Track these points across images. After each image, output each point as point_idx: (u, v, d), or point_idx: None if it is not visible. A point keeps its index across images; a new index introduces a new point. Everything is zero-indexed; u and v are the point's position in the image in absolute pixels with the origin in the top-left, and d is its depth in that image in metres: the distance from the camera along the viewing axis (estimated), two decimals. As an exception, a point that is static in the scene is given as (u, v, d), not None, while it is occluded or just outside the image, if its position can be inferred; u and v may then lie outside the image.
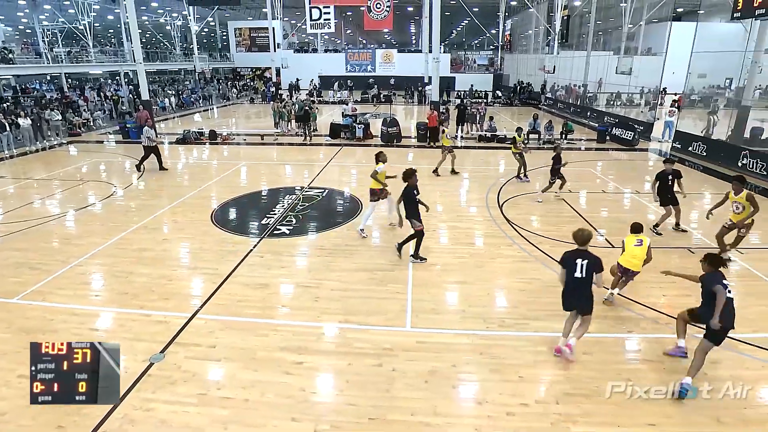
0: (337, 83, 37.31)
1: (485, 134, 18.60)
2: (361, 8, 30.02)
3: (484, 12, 46.04)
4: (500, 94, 37.38)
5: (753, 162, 13.15)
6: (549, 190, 10.54)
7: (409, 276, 6.79)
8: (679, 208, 8.57)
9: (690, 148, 15.81)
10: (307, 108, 18.67)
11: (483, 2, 43.05)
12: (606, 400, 4.33)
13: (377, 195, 8.34)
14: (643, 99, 26.61)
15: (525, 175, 12.24)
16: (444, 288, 6.51)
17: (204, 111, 29.96)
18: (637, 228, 6.10)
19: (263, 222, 9.03)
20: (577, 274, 4.67)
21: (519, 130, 12.39)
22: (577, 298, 4.79)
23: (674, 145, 16.82)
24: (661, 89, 24.59)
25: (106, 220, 9.23)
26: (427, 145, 17.19)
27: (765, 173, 12.60)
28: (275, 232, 8.52)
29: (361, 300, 6.07)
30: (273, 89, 34.27)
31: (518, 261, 7.34)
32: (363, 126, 18.42)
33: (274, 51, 39.34)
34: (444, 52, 45.49)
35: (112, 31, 47.90)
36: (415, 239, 7.13)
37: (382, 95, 34.00)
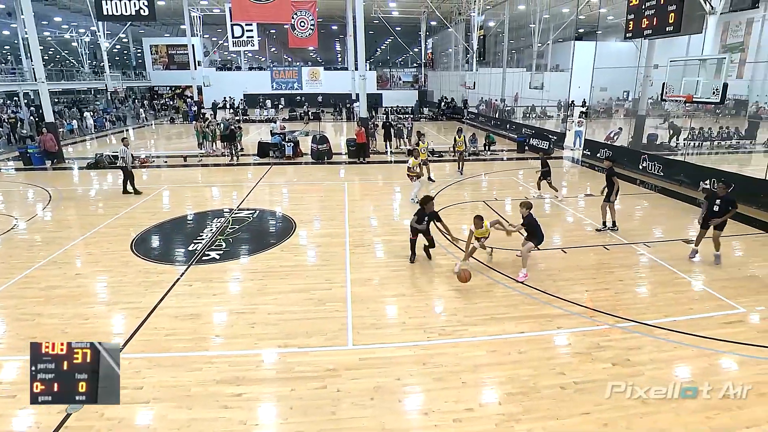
0: (269, 100, 36.81)
1: (414, 148, 19.15)
2: (285, 26, 29.91)
3: (407, 31, 47.86)
4: (426, 110, 38.90)
5: (651, 164, 14.74)
6: (553, 191, 11.99)
7: (348, 293, 6.75)
8: (611, 207, 9.39)
9: (598, 155, 17.38)
10: (233, 127, 18.12)
11: (405, 22, 44.76)
12: (544, 395, 4.56)
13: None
14: (561, 111, 28.77)
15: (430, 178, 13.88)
16: (383, 302, 6.54)
17: (119, 132, 27.97)
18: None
19: (190, 248, 8.54)
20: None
21: (420, 134, 14.22)
22: None
23: (584, 152, 18.42)
24: (570, 102, 26.87)
25: (6, 257, 8.23)
26: (358, 161, 17.35)
27: (662, 174, 14.16)
28: (204, 258, 8.09)
29: (299, 322, 5.92)
30: (195, 108, 32.90)
31: (452, 269, 7.57)
32: (292, 144, 18.21)
33: (195, 69, 37.91)
34: (370, 69, 46.60)
35: (8, 47, 43.52)
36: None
37: (310, 113, 33.91)
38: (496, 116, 31.49)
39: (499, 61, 34.09)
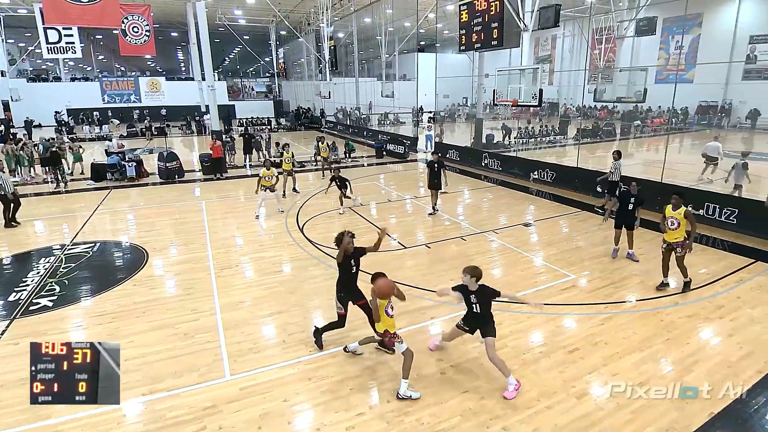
0: (96, 113, 32.26)
1: (274, 160, 18.68)
2: (115, 32, 26.53)
3: (256, 40, 46.63)
4: (284, 121, 38.40)
5: (491, 161, 16.79)
6: (348, 201, 12.06)
7: (218, 320, 6.26)
8: (438, 192, 11.24)
9: (448, 155, 19.16)
10: (55, 149, 15.44)
11: (253, 30, 43.55)
12: (427, 383, 4.83)
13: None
14: (414, 117, 30.88)
15: (294, 189, 13.94)
16: (259, 323, 6.23)
17: None
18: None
19: (11, 299, 7.01)
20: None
21: (286, 146, 14.27)
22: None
23: (435, 154, 20.13)
24: (418, 108, 29.15)
25: None
26: (215, 178, 16.29)
27: (500, 169, 16.23)
28: (32, 308, 6.72)
29: (165, 362, 5.29)
30: (2, 128, 27.24)
31: (327, 279, 7.58)
32: (135, 164, 16.25)
33: (-4, 80, 31.38)
34: (219, 79, 44.16)
35: None
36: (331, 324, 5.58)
37: (153, 128, 30.74)
38: (354, 124, 32.56)
39: (351, 70, 35.38)
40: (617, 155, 10.93)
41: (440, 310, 6.45)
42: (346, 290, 5.36)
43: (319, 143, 15.91)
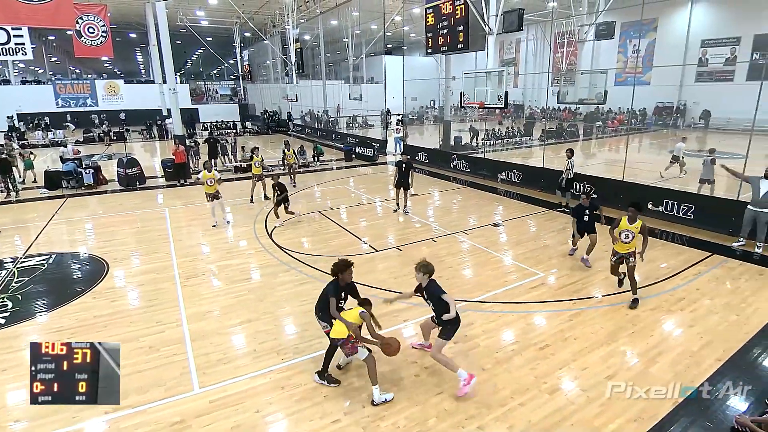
0: (46, 118, 30.84)
1: (241, 165, 18.37)
2: (69, 32, 25.39)
3: (219, 42, 45.70)
4: (249, 124, 37.79)
5: (460, 162, 17.03)
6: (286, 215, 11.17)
7: (185, 331, 6.07)
8: (407, 193, 11.53)
9: (417, 157, 19.31)
10: (4, 155, 14.62)
11: (216, 32, 42.67)
12: (403, 386, 4.83)
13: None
14: (383, 120, 30.93)
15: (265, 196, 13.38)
16: (228, 333, 6.07)
17: None
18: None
19: (-46, 317, 6.58)
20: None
21: (255, 149, 13.30)
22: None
23: (405, 155, 20.27)
24: (387, 111, 29.27)
25: None
26: (178, 184, 15.83)
27: (469, 170, 16.48)
28: (-21, 325, 6.32)
29: (129, 378, 5.06)
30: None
31: (298, 284, 7.49)
32: (92, 170, 15.59)
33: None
34: (181, 82, 43.06)
35: None
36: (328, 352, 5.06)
37: (112, 132, 29.63)
38: (322, 127, 32.39)
39: (318, 73, 35.19)
40: (570, 153, 11.62)
41: (413, 312, 6.47)
42: (325, 313, 4.90)
43: (286, 148, 15.22)
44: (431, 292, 4.80)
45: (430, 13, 15.73)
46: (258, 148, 13.68)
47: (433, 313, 4.97)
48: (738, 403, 4.55)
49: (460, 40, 14.51)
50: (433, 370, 5.12)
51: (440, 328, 4.85)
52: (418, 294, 4.98)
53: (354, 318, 4.67)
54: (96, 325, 6.30)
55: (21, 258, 8.91)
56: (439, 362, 4.81)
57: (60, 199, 13.86)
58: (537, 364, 5.21)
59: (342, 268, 4.88)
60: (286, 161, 15.44)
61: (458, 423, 4.33)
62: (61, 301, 7.06)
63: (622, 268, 6.81)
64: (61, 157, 17.53)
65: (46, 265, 8.59)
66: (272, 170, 17.57)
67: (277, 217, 10.84)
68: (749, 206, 8.46)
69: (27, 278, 7.91)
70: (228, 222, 11.08)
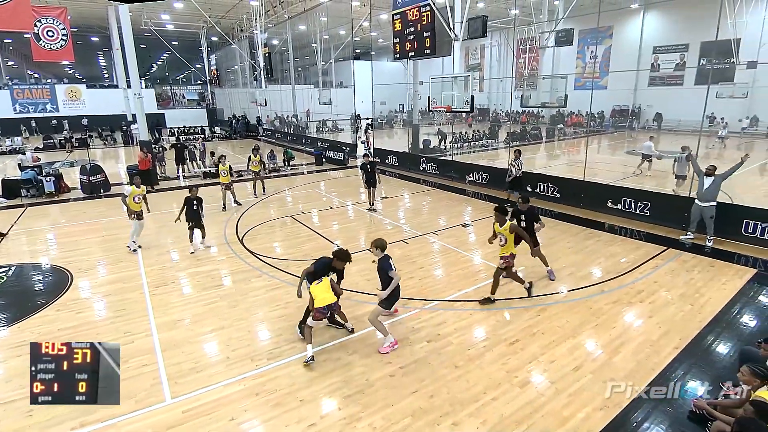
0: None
1: (209, 170, 17.94)
2: (26, 35, 24.18)
3: (186, 46, 44.58)
4: (218, 129, 37.02)
5: (429, 165, 17.19)
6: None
7: (155, 341, 5.87)
8: (374, 191, 12.07)
9: (387, 161, 19.37)
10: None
11: (183, 36, 41.60)
12: (377, 387, 4.82)
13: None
14: (353, 125, 30.90)
15: (236, 201, 13.22)
16: (200, 341, 5.91)
17: None
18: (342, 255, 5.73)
19: None
20: None
21: (222, 157, 13.02)
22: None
23: (375, 160, 20.30)
24: (356, 115, 29.29)
25: None
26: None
27: (438, 172, 16.66)
28: (-70, 343, 5.92)
29: (96, 389, 4.86)
30: None
31: (271, 289, 7.37)
32: (53, 178, 14.90)
33: None
34: (146, 87, 41.80)
35: None
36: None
37: (74, 139, 28.42)
38: (292, 131, 32.05)
39: (287, 78, 34.84)
40: (517, 154, 12.22)
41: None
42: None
43: (252, 154, 14.27)
44: (381, 266, 5.52)
45: (397, 19, 15.84)
46: (224, 156, 13.28)
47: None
48: (695, 388, 4.76)
49: (427, 45, 14.67)
50: (406, 370, 5.13)
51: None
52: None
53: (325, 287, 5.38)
54: (60, 338, 5.99)
55: (-24, 271, 8.40)
56: (374, 326, 5.57)
57: (19, 209, 13.17)
58: (508, 359, 5.30)
59: (343, 256, 5.68)
60: (250, 168, 14.38)
61: (433, 421, 4.36)
62: (23, 314, 6.70)
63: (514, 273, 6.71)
64: (19, 164, 16.67)
65: (5, 277, 8.14)
66: (243, 175, 17.25)
67: (191, 242, 9.25)
68: (696, 201, 8.91)
69: (-17, 292, 7.46)
70: (209, 247, 9.51)
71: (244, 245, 9.60)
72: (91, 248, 9.64)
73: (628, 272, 7.76)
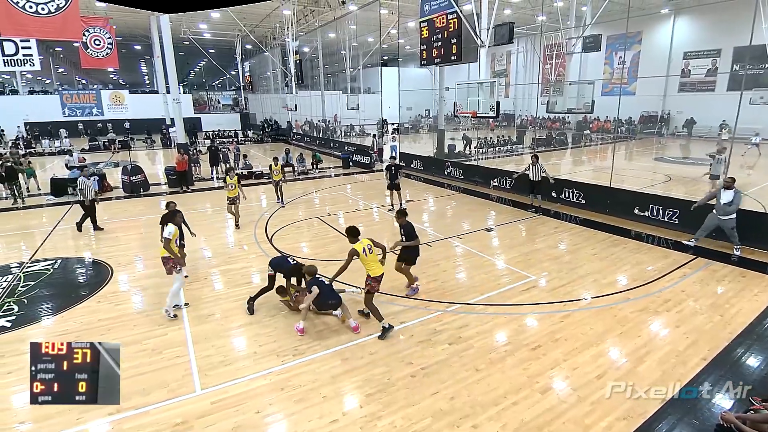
0: (63, 129, 30.91)
1: (242, 172, 18.31)
2: (75, 44, 25.37)
3: (221, 53, 45.78)
4: (251, 133, 37.82)
5: (454, 170, 17.06)
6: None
7: (187, 335, 6.03)
8: (399, 193, 12.26)
9: (412, 165, 19.34)
10: (10, 164, 14.52)
11: (219, 44, 42.75)
12: (398, 387, 4.81)
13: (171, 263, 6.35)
14: (379, 129, 31.00)
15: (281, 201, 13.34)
16: (229, 336, 6.03)
17: None
18: (353, 231, 6.15)
19: (-38, 321, 6.50)
20: None
21: (275, 159, 13.19)
22: None
23: (399, 163, 20.29)
24: (383, 120, 29.35)
25: None
26: (181, 190, 15.77)
27: (462, 177, 16.52)
28: (-15, 329, 6.26)
29: (132, 380, 5.02)
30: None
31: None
32: (97, 178, 15.52)
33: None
34: (184, 92, 43.13)
35: None
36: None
37: (117, 141, 29.57)
38: (321, 136, 32.42)
39: (317, 84, 35.29)
40: (535, 159, 11.87)
41: (410, 314, 6.46)
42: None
43: (273, 162, 13.17)
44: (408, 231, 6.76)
45: (424, 27, 15.83)
46: (233, 168, 12.06)
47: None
48: (723, 401, 4.55)
49: (453, 52, 14.60)
50: (428, 371, 5.10)
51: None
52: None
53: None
54: (100, 328, 6.25)
55: (27, 263, 8.84)
56: (367, 307, 6.02)
57: (65, 206, 13.79)
58: (529, 364, 5.19)
59: (354, 232, 6.19)
60: (271, 177, 13.23)
61: (453, 422, 4.31)
62: (67, 304, 7.01)
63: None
64: (66, 164, 17.45)
65: (51, 270, 8.53)
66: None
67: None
68: (714, 212, 8.51)
69: (33, 282, 7.84)
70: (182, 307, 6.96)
71: (272, 244, 9.75)
72: (130, 244, 10.00)
73: (654, 280, 7.49)
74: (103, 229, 11.08)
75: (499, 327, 6.10)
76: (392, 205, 12.30)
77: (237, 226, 11.05)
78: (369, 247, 5.95)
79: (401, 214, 7.01)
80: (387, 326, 5.84)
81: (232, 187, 10.87)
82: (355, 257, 5.86)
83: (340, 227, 11.06)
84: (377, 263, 6.00)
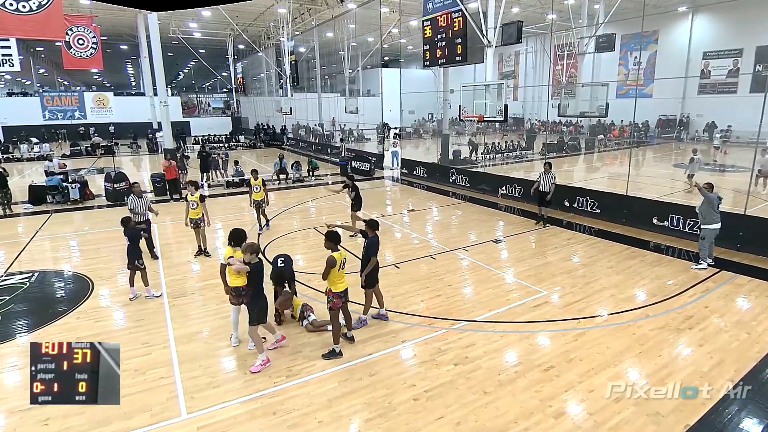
0: (35, 137, 31.02)
1: (233, 180, 18.36)
2: (58, 44, 25.65)
3: (212, 54, 46.17)
4: (242, 138, 37.98)
5: (459, 177, 17.10)
6: None
7: (173, 354, 5.99)
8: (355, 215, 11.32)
9: (415, 172, 19.39)
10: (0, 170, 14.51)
11: (210, 44, 43.14)
12: (400, 411, 4.75)
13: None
14: (380, 134, 31.16)
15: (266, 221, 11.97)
16: (218, 355, 5.99)
17: None
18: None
19: (-71, 339, 6.47)
20: None
21: (255, 172, 11.59)
22: None
23: (402, 170, 20.37)
24: (384, 124, 29.50)
25: None
26: (170, 198, 15.80)
27: (468, 185, 16.55)
28: (-45, 347, 6.22)
29: (112, 401, 4.97)
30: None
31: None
32: (78, 185, 15.57)
33: None
34: (172, 95, 43.44)
35: None
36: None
37: (100, 146, 29.72)
38: (317, 141, 32.55)
39: (313, 86, 35.53)
40: (548, 167, 11.53)
41: (413, 332, 6.42)
42: None
43: (253, 177, 11.31)
44: (257, 269, 5.97)
45: (427, 26, 15.98)
46: (197, 182, 10.58)
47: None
48: (752, 426, 4.49)
49: (458, 52, 14.72)
50: (431, 395, 5.04)
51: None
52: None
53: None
54: (79, 347, 6.20)
55: (2, 276, 8.82)
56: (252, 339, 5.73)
57: (44, 215, 13.80)
58: (541, 387, 5.14)
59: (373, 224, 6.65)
60: (252, 197, 11.26)
61: (459, 450, 4.25)
62: (43, 321, 6.97)
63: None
64: (45, 171, 17.51)
65: (28, 283, 8.50)
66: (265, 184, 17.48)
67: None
68: (714, 226, 8.48)
69: (8, 297, 7.81)
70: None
71: (265, 257, 9.73)
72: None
73: (675, 296, 7.45)
74: (157, 258, 9.87)
75: (508, 346, 6.05)
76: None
77: (206, 253, 9.83)
78: (344, 262, 5.81)
79: (371, 225, 6.63)
80: (337, 351, 5.78)
81: (194, 205, 9.42)
82: (332, 267, 5.60)
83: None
84: (344, 279, 5.81)
